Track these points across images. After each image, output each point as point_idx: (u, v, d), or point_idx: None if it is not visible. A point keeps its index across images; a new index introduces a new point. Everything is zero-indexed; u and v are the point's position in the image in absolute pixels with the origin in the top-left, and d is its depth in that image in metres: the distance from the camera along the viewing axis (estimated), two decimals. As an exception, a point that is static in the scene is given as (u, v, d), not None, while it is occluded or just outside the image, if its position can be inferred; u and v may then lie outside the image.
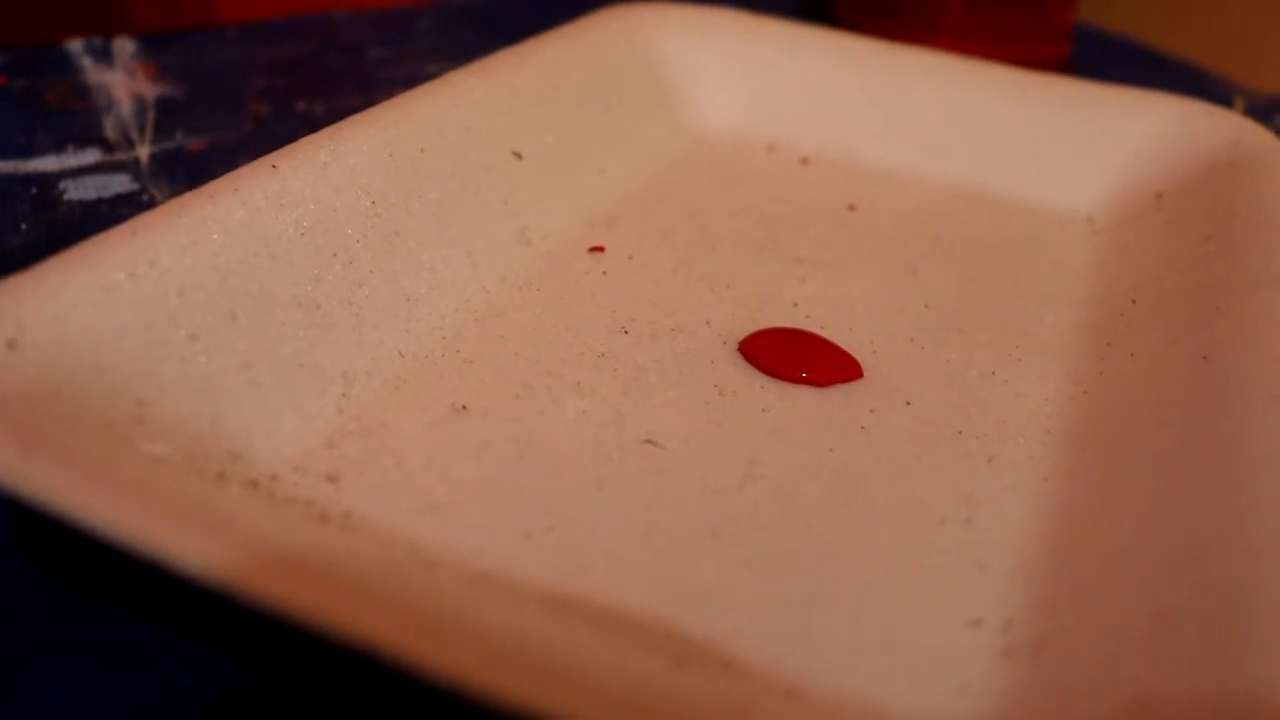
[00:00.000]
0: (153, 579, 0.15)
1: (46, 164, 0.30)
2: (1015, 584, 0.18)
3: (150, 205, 0.29)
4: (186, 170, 0.31)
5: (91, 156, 0.31)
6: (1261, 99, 0.42)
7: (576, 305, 0.25)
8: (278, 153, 0.22)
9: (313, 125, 0.23)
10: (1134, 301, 0.25)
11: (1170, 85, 0.33)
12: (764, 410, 0.22)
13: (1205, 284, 0.24)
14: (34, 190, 0.29)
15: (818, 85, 0.35)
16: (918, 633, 0.17)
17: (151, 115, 0.34)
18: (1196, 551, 0.16)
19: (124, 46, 0.38)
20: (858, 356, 0.23)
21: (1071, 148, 0.32)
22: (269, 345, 0.20)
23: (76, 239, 0.18)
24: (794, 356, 0.23)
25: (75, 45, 0.38)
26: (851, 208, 0.31)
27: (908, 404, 0.22)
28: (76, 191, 0.29)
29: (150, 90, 0.36)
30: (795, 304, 0.25)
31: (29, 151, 0.31)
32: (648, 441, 0.20)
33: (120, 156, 0.31)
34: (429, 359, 0.22)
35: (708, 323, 0.24)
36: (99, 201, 0.29)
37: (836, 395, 0.22)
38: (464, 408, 0.21)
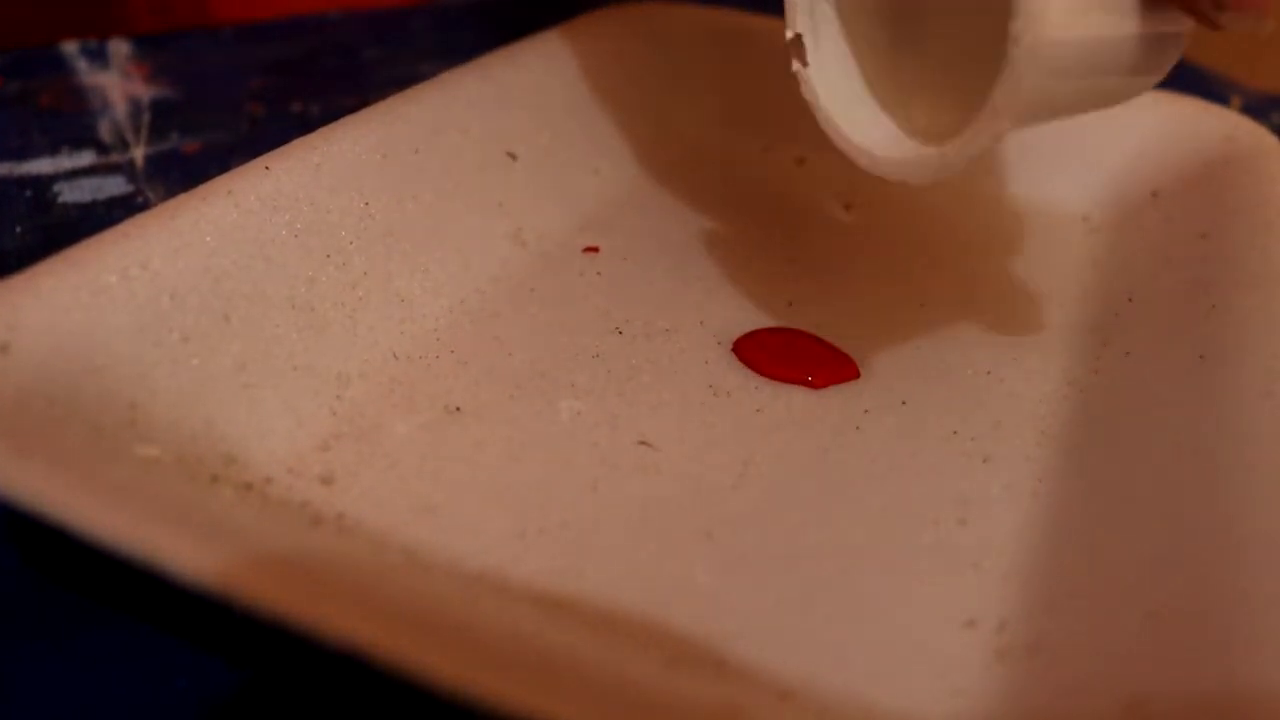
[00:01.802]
0: (148, 581, 0.15)
1: (41, 166, 0.30)
2: (1010, 585, 0.18)
3: (145, 207, 0.29)
4: (182, 172, 0.31)
5: (86, 158, 0.31)
6: (1258, 97, 0.42)
7: (571, 306, 0.25)
8: (271, 154, 0.22)
9: (308, 126, 0.23)
10: (1130, 300, 0.25)
11: (1166, 83, 0.33)
12: (758, 411, 0.22)
13: (1201, 282, 0.24)
14: (29, 193, 0.29)
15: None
16: (912, 633, 0.17)
17: (146, 117, 0.34)
18: (1191, 551, 0.16)
19: (119, 48, 0.38)
20: (853, 356, 0.23)
21: (1067, 146, 0.32)
22: (263, 347, 0.20)
23: (71, 241, 0.18)
24: (789, 357, 0.23)
25: (70, 47, 0.38)
26: (847, 207, 0.31)
27: (903, 404, 0.22)
28: (71, 194, 0.29)
29: (145, 92, 0.36)
30: (790, 304, 0.25)
31: (24, 154, 0.31)
32: (642, 442, 0.20)
33: (115, 158, 0.31)
34: (423, 360, 0.22)
35: (702, 323, 0.24)
36: (94, 204, 0.29)
37: (831, 395, 0.22)
38: (458, 409, 0.21)
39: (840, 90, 0.21)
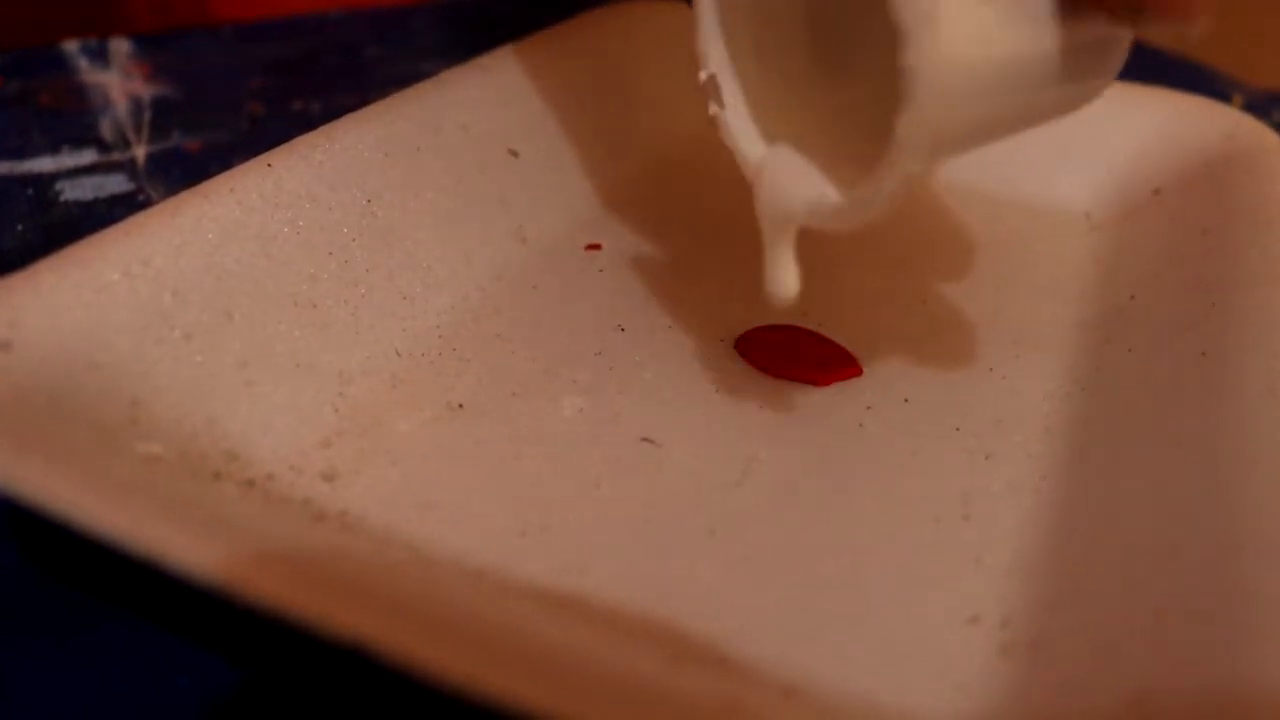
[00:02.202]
0: (149, 578, 0.15)
1: (43, 165, 0.30)
2: (1013, 581, 0.18)
3: (147, 205, 0.29)
4: (183, 170, 0.31)
5: (88, 157, 0.31)
6: (1260, 95, 0.42)
7: (573, 304, 0.24)
8: (273, 151, 0.22)
9: (309, 125, 0.23)
10: (1132, 297, 0.25)
11: (1169, 81, 0.33)
12: (761, 408, 0.22)
13: (1203, 279, 0.24)
14: (30, 191, 0.29)
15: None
16: (915, 630, 0.17)
17: (148, 115, 0.34)
18: (1194, 548, 0.16)
19: (120, 47, 0.38)
20: (855, 354, 0.23)
21: (1069, 144, 0.32)
22: (265, 344, 0.20)
23: (73, 239, 0.18)
24: (791, 355, 0.23)
25: (71, 46, 0.38)
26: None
27: (905, 401, 0.22)
28: (73, 192, 0.29)
29: (146, 90, 0.36)
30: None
31: (25, 153, 0.31)
32: (645, 440, 0.20)
33: (116, 157, 0.31)
34: (425, 358, 0.22)
35: (704, 321, 0.24)
36: (95, 202, 0.29)
37: (834, 392, 0.22)
38: (460, 406, 0.21)
39: (759, 132, 0.20)
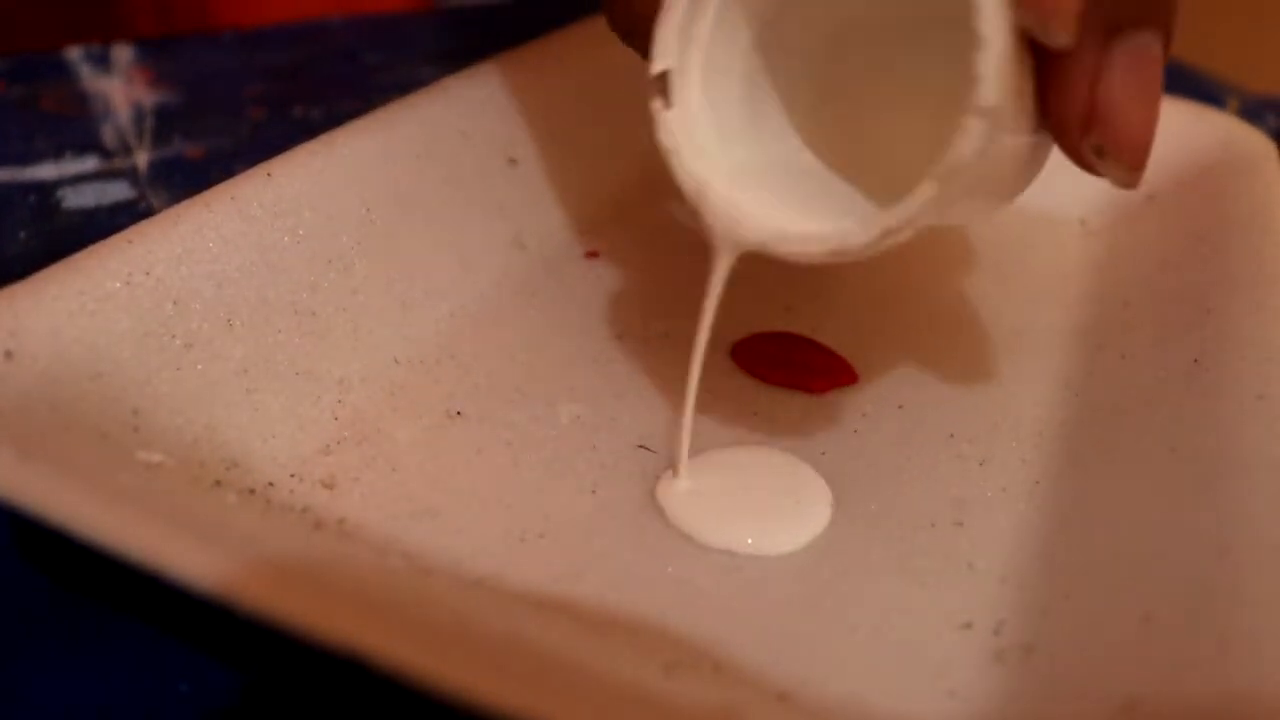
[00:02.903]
0: (150, 585, 0.15)
1: (45, 171, 0.30)
2: (1006, 587, 0.18)
3: (149, 212, 0.29)
4: (185, 177, 0.31)
5: (90, 164, 0.31)
6: (1255, 100, 0.42)
7: (571, 311, 0.25)
8: (273, 160, 0.22)
9: (310, 131, 0.23)
10: (1126, 304, 0.25)
11: (1163, 86, 0.33)
12: (755, 414, 0.22)
13: (1197, 285, 0.24)
14: (32, 198, 0.29)
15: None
16: (909, 636, 0.17)
17: (149, 122, 0.34)
18: (1186, 554, 0.16)
19: (122, 53, 0.38)
20: (850, 361, 0.23)
21: (1065, 150, 0.32)
22: (265, 353, 0.20)
23: (75, 247, 0.18)
24: (787, 362, 0.23)
25: (73, 52, 0.38)
26: (846, 211, 0.31)
27: (900, 407, 0.22)
28: (75, 199, 0.29)
29: (148, 97, 0.36)
30: (788, 308, 0.26)
31: (27, 159, 0.31)
32: (641, 446, 0.21)
33: (118, 164, 0.31)
34: (424, 365, 0.22)
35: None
36: (97, 209, 0.29)
37: (828, 399, 0.22)
38: (459, 413, 0.21)
39: (712, 142, 0.18)
